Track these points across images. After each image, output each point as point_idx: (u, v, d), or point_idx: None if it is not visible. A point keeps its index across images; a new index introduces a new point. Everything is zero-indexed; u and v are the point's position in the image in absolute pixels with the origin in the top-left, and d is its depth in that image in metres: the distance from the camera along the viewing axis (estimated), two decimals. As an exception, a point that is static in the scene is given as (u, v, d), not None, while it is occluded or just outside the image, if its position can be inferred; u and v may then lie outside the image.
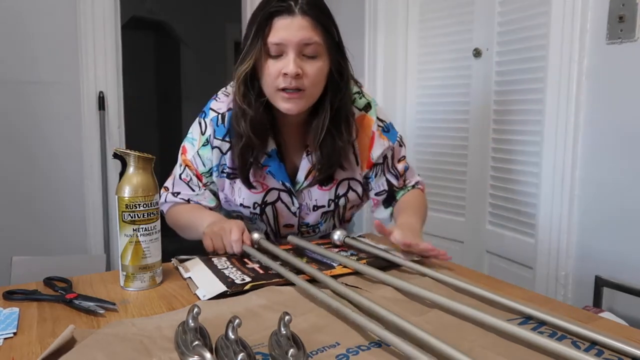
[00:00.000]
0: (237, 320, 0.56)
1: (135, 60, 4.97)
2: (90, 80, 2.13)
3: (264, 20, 0.93)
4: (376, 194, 1.15)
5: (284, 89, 0.94)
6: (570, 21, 1.44)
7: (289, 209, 1.09)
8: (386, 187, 1.15)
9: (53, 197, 2.12)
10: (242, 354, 0.52)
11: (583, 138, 1.46)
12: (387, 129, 1.12)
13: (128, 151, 0.80)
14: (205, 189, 1.10)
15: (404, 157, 1.16)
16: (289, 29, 0.92)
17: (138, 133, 3.62)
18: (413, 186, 1.18)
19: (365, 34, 2.22)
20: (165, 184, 1.13)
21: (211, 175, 1.08)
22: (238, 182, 1.07)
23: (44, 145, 2.09)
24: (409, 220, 1.03)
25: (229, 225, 0.95)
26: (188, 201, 1.11)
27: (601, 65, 1.40)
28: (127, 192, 0.79)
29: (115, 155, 2.10)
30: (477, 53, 1.84)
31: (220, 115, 1.05)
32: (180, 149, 1.11)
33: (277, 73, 0.94)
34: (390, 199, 1.16)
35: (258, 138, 1.01)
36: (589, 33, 1.42)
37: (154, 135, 5.59)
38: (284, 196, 1.08)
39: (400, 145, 1.15)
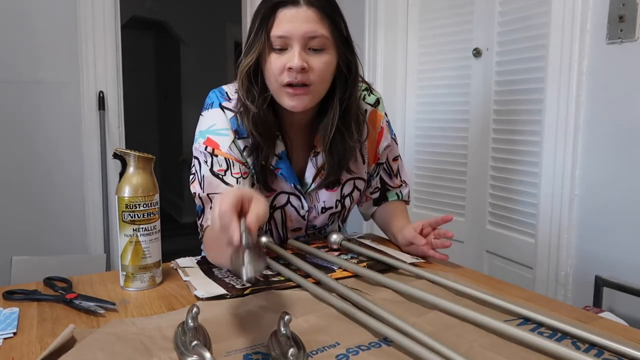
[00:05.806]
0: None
1: (135, 60, 4.98)
2: (90, 80, 2.13)
3: (267, 12, 0.89)
4: (370, 192, 1.15)
5: (289, 85, 0.89)
6: (570, 21, 1.44)
7: (298, 212, 1.05)
8: (379, 185, 1.14)
9: (53, 197, 2.12)
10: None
11: (583, 138, 1.46)
12: (388, 125, 1.13)
13: (128, 151, 0.80)
14: (247, 178, 0.96)
15: (398, 156, 1.16)
16: (293, 21, 0.87)
17: (138, 133, 3.62)
18: (403, 197, 1.17)
19: (365, 34, 2.22)
20: (195, 192, 0.97)
21: (249, 168, 0.98)
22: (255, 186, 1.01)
23: (44, 145, 2.09)
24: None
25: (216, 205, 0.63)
26: None
27: (601, 65, 1.40)
28: (127, 192, 0.79)
29: (115, 155, 2.10)
30: (477, 53, 1.84)
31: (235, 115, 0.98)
32: (201, 145, 0.97)
33: (281, 68, 0.89)
34: (381, 198, 1.15)
35: (263, 138, 0.95)
36: (589, 33, 1.42)
37: (154, 135, 5.60)
38: (293, 199, 1.03)
39: (396, 144, 1.15)
